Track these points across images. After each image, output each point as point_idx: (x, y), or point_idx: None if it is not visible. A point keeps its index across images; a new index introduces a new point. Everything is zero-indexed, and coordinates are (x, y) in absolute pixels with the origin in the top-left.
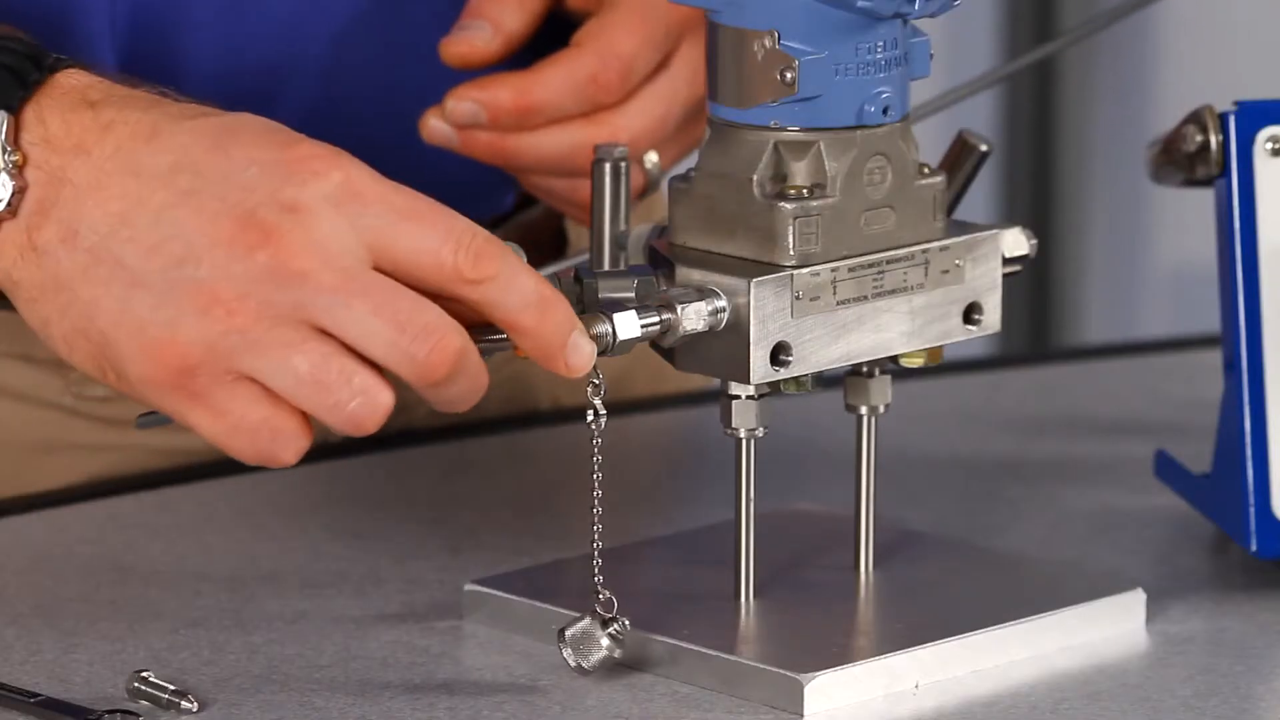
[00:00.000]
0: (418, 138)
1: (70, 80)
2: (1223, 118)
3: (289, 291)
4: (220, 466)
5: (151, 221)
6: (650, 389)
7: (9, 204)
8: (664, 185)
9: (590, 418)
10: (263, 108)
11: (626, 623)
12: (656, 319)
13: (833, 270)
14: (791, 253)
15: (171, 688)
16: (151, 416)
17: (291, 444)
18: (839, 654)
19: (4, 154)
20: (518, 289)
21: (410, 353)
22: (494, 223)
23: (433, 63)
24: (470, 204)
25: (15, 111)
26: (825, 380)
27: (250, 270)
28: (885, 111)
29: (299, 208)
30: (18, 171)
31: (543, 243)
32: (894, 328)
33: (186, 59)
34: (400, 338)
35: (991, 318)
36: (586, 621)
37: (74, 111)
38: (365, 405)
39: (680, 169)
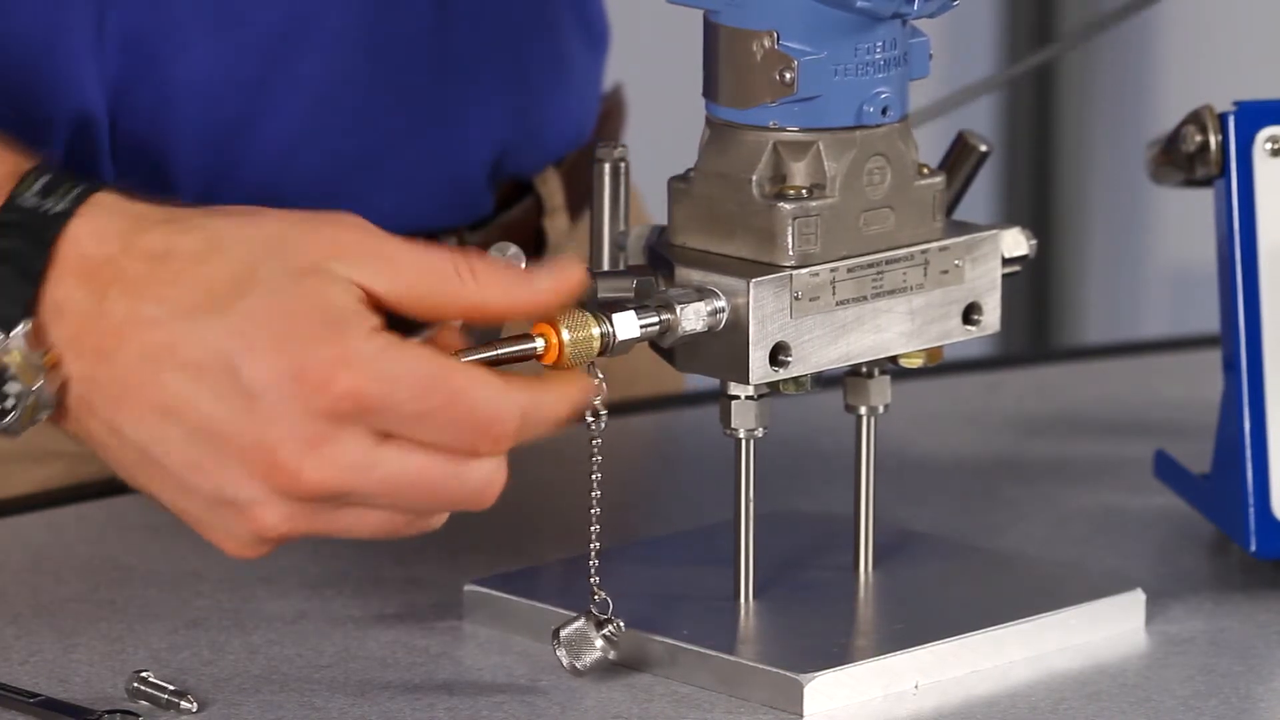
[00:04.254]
0: (405, 152)
1: (72, 251)
2: (1222, 118)
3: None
4: None
5: (186, 440)
6: (649, 389)
7: (57, 406)
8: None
9: (590, 418)
10: (252, 126)
11: (621, 624)
12: (656, 319)
13: (832, 270)
14: (791, 253)
15: (171, 688)
16: None
17: (421, 526)
18: (839, 654)
19: (39, 358)
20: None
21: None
22: (475, 225)
23: (422, 77)
24: (453, 211)
25: (32, 314)
26: (825, 380)
27: (291, 505)
28: (884, 112)
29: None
30: (53, 371)
31: (522, 243)
32: (893, 328)
33: (175, 76)
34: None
35: (991, 318)
36: (581, 622)
37: (86, 305)
38: (478, 499)
39: (680, 169)
